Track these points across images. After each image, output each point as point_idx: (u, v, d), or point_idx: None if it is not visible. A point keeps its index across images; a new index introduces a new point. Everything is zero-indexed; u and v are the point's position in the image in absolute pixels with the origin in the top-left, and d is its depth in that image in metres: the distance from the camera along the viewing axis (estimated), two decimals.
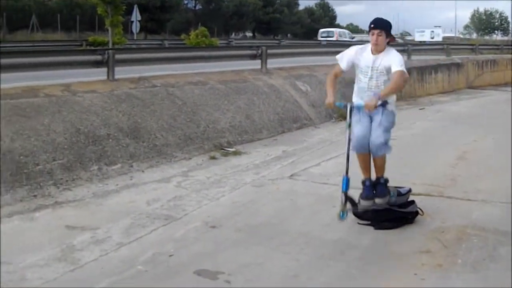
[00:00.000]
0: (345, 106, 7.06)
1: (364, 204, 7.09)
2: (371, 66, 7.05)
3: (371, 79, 7.07)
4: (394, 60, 6.93)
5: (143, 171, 9.92)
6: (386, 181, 7.22)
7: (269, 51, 17.46)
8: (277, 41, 47.09)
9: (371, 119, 7.09)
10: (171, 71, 14.53)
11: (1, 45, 30.22)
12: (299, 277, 5.87)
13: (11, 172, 8.55)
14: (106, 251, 6.49)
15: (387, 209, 7.33)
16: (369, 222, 7.25)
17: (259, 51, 17.07)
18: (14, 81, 11.22)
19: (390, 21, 7.25)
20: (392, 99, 7.19)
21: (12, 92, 10.41)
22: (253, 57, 17.15)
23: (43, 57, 12.80)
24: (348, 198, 6.84)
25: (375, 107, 6.77)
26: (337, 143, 11.94)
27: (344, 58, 7.30)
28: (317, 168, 10.20)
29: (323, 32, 64.37)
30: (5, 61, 11.72)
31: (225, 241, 6.80)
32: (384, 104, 6.98)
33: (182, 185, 9.28)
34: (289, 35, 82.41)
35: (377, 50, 7.06)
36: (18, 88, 10.74)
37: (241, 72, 16.04)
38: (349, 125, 6.95)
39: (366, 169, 7.20)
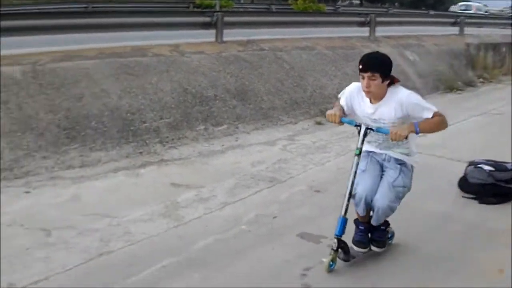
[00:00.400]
0: (358, 126, 5.25)
1: (356, 250, 5.48)
2: (371, 118, 5.24)
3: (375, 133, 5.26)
4: (415, 107, 5.10)
5: (248, 133, 9.92)
6: (388, 224, 5.65)
7: (377, 19, 17.28)
8: (384, 9, 46.25)
9: (381, 168, 5.44)
10: (279, 35, 14.44)
11: (108, 5, 30.74)
12: (402, 246, 5.79)
13: (118, 129, 8.70)
14: (210, 210, 6.55)
15: (493, 184, 7.20)
16: (474, 196, 7.16)
17: (368, 19, 16.90)
18: (123, 40, 11.38)
19: None
20: (417, 152, 5.64)
21: (121, 51, 10.58)
22: (361, 24, 16.98)
23: (152, 18, 12.99)
24: (341, 244, 5.24)
25: (406, 138, 5.02)
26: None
27: (343, 95, 5.45)
28: (424, 139, 9.85)
29: (462, 5, 65.33)
30: (113, 20, 11.99)
31: (329, 206, 6.68)
32: (409, 151, 5.44)
33: (287, 148, 9.27)
34: (396, 3, 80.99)
35: (374, 99, 5.18)
36: (127, 47, 10.91)
37: (349, 39, 15.84)
38: (360, 152, 5.23)
39: (363, 219, 5.56)
